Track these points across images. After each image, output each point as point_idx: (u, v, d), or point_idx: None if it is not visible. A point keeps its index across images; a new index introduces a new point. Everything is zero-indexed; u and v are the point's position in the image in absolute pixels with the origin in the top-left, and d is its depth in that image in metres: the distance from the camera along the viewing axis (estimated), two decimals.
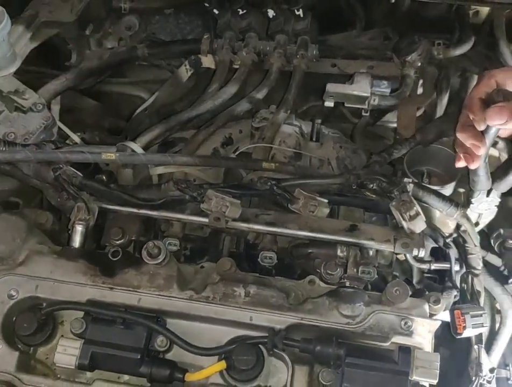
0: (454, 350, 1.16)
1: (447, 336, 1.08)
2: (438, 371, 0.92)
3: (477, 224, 1.21)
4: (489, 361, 1.13)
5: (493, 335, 1.23)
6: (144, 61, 1.46)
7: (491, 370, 1.09)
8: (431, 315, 1.00)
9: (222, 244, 1.22)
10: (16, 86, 1.29)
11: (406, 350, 0.93)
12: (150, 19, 1.55)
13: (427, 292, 1.07)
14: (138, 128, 1.37)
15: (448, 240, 1.11)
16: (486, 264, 1.20)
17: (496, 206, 1.15)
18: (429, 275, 1.27)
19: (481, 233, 1.22)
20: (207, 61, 1.44)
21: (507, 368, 1.28)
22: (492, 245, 1.28)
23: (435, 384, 0.93)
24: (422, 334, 0.97)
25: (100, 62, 1.42)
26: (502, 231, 1.27)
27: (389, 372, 0.92)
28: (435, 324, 0.97)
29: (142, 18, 1.54)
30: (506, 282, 1.24)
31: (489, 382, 1.08)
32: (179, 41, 1.51)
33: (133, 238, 1.14)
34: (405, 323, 0.96)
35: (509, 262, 1.24)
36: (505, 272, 1.24)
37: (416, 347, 0.94)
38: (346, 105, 1.32)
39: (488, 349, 1.21)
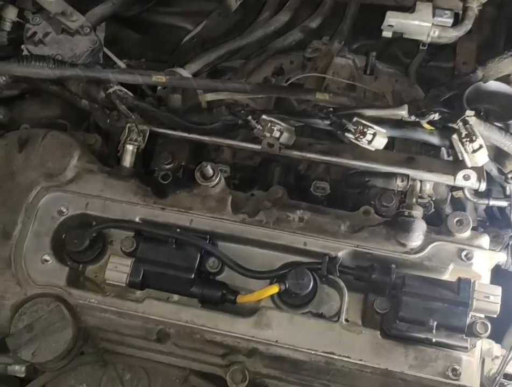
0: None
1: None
2: (498, 305, 0.89)
3: None
4: None
5: None
6: None
7: None
8: None
9: (272, 174, 1.18)
10: (64, 8, 1.26)
11: (466, 281, 0.90)
12: None
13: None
14: (185, 57, 1.34)
15: (510, 176, 1.06)
16: None
17: None
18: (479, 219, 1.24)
19: None
20: None
21: None
22: None
23: (495, 316, 0.90)
24: (483, 266, 0.94)
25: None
26: None
27: (448, 302, 0.89)
28: (496, 257, 0.94)
29: None
30: None
31: None
32: None
33: (182, 164, 1.12)
34: (466, 254, 0.93)
35: None
36: None
37: (476, 279, 0.92)
38: (404, 36, 1.26)
39: None
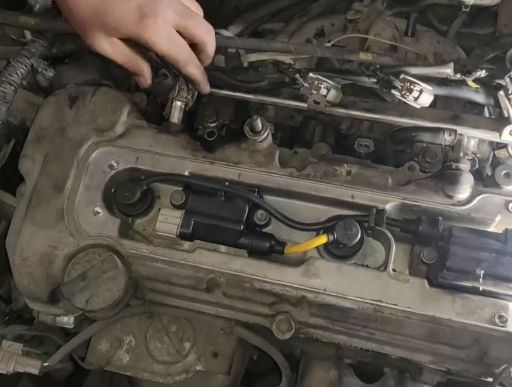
0: None
1: None
2: None
3: None
4: None
5: None
6: None
7: None
8: None
9: (313, 134, 1.20)
10: None
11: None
12: None
13: None
14: (226, 21, 1.35)
15: None
16: None
17: None
18: None
19: None
20: None
21: None
22: None
23: None
24: None
25: None
26: None
27: (495, 252, 0.90)
28: None
29: None
30: None
31: None
32: None
33: (226, 122, 1.13)
34: None
35: None
36: None
37: None
38: None
39: None
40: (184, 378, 1.06)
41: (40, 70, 1.09)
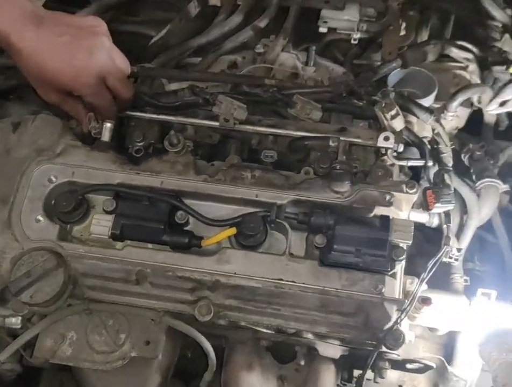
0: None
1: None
2: (412, 234, 1.11)
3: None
4: (457, 243, 1.33)
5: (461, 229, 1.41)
6: None
7: (458, 250, 1.27)
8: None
9: (229, 150, 1.39)
10: None
11: (385, 217, 1.12)
12: None
13: None
14: (151, 59, 1.54)
15: (424, 140, 1.29)
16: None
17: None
18: None
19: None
20: None
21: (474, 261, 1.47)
22: (463, 159, 1.47)
23: (409, 244, 1.12)
24: (400, 207, 1.16)
25: None
26: (470, 145, 1.46)
27: (372, 234, 1.10)
28: (411, 199, 1.16)
29: None
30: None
31: (456, 260, 1.27)
32: None
33: (152, 142, 1.30)
34: (386, 197, 1.15)
35: (476, 169, 1.44)
36: (474, 179, 1.44)
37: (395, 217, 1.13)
38: (338, 31, 1.50)
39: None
40: (120, 364, 1.20)
41: None
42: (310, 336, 1.24)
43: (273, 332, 1.24)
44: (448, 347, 1.39)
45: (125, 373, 1.24)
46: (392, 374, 1.36)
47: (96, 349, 1.21)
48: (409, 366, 1.28)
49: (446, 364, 1.35)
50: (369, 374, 1.25)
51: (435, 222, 1.27)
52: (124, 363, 1.20)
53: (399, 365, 1.28)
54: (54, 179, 1.19)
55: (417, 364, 1.25)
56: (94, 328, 1.22)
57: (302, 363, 1.28)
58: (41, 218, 1.16)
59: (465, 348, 1.32)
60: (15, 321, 1.22)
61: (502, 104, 1.47)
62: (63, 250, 1.13)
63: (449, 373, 1.34)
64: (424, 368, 1.26)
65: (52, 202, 1.18)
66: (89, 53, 1.17)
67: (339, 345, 1.24)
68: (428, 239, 1.37)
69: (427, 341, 1.42)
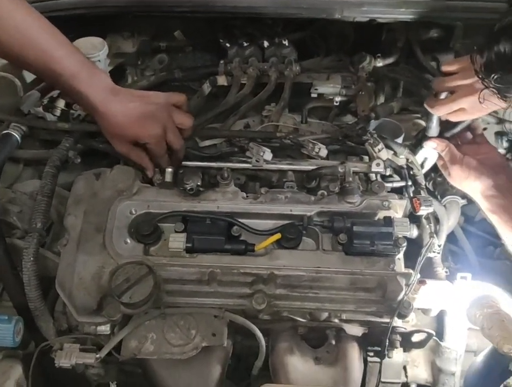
0: None
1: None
2: (408, 226, 1.52)
3: (422, 167, 1.84)
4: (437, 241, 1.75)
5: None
6: (179, 81, 2.07)
7: (439, 245, 1.69)
8: None
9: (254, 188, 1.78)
10: None
11: (388, 218, 1.53)
12: (175, 56, 2.17)
13: None
14: None
15: (402, 165, 1.73)
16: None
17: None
18: None
19: None
20: (222, 80, 2.06)
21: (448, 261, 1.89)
22: (427, 185, 1.92)
23: (407, 235, 1.53)
24: (396, 209, 1.58)
25: (149, 82, 2.01)
26: (432, 174, 1.92)
27: (381, 230, 1.50)
28: (402, 204, 1.59)
29: (169, 55, 2.16)
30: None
31: (438, 253, 1.68)
32: (202, 66, 2.13)
33: (198, 184, 1.68)
34: (385, 203, 1.57)
35: (440, 191, 1.88)
36: (439, 198, 1.88)
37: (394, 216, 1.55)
38: (324, 96, 1.98)
39: None
40: (195, 353, 1.50)
41: (72, 158, 1.62)
42: (336, 320, 1.60)
43: (307, 320, 1.59)
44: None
45: (190, 366, 1.54)
46: (397, 356, 1.71)
47: (173, 343, 1.51)
48: (414, 339, 1.64)
49: (438, 341, 1.72)
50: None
51: (414, 233, 1.69)
52: (198, 352, 1.50)
53: (406, 340, 1.64)
54: (134, 211, 1.55)
55: (421, 332, 1.61)
56: (169, 328, 1.52)
57: (333, 342, 1.62)
58: (128, 240, 1.51)
59: (453, 322, 1.70)
60: (104, 328, 1.51)
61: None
62: (150, 262, 1.47)
63: (443, 347, 1.71)
64: (427, 338, 1.63)
65: (135, 228, 1.53)
66: (154, 113, 1.56)
67: (360, 326, 1.60)
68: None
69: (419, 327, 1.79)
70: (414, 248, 1.65)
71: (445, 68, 1.64)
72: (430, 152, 1.77)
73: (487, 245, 2.01)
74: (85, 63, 1.50)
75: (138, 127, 1.54)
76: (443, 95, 1.64)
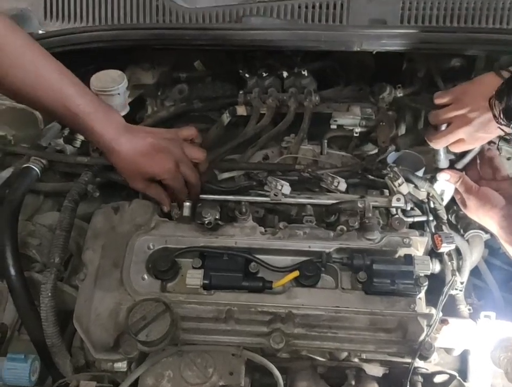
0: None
1: None
2: (429, 265, 1.49)
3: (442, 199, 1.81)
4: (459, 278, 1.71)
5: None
6: (198, 112, 2.07)
7: (461, 282, 1.66)
8: None
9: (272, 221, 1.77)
10: None
11: (408, 255, 1.50)
12: (194, 86, 2.18)
13: None
14: None
15: (423, 201, 1.71)
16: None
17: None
18: None
19: None
20: (241, 110, 2.06)
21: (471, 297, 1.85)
22: (449, 218, 1.88)
23: (429, 273, 1.49)
24: (417, 247, 1.55)
25: (169, 113, 2.02)
26: (455, 207, 1.89)
27: (401, 268, 1.47)
28: (424, 241, 1.56)
29: (189, 85, 2.16)
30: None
31: (460, 290, 1.65)
32: (222, 96, 2.13)
33: (216, 217, 1.67)
34: (406, 240, 1.54)
35: (462, 224, 1.85)
36: (462, 232, 1.85)
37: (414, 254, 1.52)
38: (344, 127, 1.97)
39: None
40: None
41: (91, 192, 1.62)
42: (356, 360, 1.57)
43: (327, 359, 1.56)
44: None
45: None
46: None
47: (190, 382, 1.48)
48: (436, 380, 1.60)
49: (462, 381, 1.67)
50: None
51: (436, 268, 1.66)
52: None
53: (428, 381, 1.59)
54: (151, 247, 1.54)
55: (443, 374, 1.57)
56: (186, 366, 1.50)
57: (353, 382, 1.59)
58: (145, 276, 1.50)
59: (476, 362, 1.65)
60: (121, 365, 1.50)
61: None
62: (167, 299, 1.46)
63: None
64: (450, 379, 1.59)
65: (152, 264, 1.52)
66: (166, 147, 1.55)
67: (381, 365, 1.57)
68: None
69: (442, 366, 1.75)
70: (437, 282, 1.62)
71: (437, 100, 1.64)
72: (446, 185, 1.75)
73: (511, 279, 1.96)
74: (99, 102, 1.51)
75: (151, 162, 1.54)
76: (443, 127, 1.63)
